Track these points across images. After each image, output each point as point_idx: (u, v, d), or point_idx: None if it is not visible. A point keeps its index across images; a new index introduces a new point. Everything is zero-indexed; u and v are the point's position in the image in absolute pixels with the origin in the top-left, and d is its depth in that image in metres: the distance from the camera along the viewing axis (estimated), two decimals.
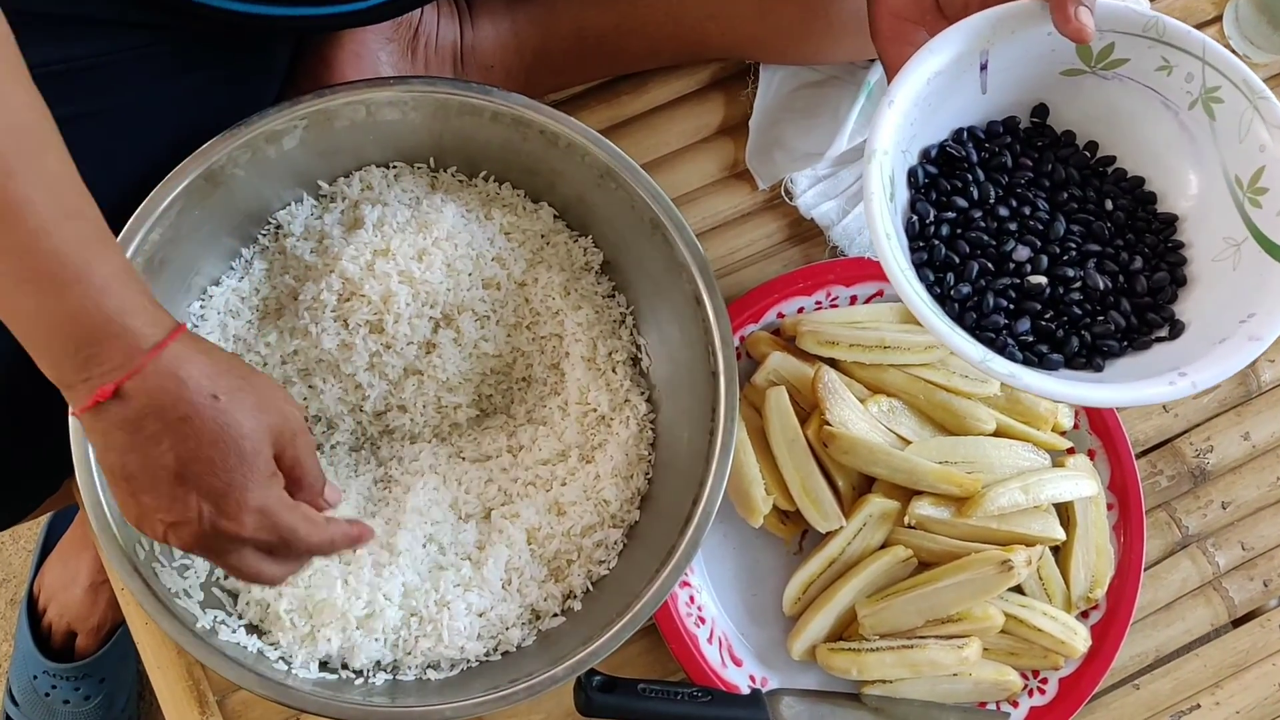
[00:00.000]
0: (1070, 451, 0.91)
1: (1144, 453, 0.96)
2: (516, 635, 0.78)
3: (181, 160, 0.75)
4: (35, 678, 1.23)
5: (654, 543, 0.79)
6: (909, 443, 0.88)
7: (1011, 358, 0.68)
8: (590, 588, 0.80)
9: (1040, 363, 0.70)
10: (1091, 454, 0.92)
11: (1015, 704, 0.87)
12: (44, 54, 0.73)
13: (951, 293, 0.71)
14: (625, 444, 0.82)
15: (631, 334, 0.86)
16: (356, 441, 0.84)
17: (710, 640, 0.86)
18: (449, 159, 0.86)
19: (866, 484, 0.89)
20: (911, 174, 0.73)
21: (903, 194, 0.73)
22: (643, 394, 0.85)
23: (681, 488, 0.79)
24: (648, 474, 0.82)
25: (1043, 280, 0.71)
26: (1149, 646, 0.92)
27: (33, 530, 1.36)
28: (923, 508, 0.86)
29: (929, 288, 0.71)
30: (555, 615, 0.79)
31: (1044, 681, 0.87)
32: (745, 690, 0.85)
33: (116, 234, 0.72)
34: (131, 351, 0.57)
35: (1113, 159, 0.76)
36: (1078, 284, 0.71)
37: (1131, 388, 0.66)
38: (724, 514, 0.75)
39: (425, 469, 0.82)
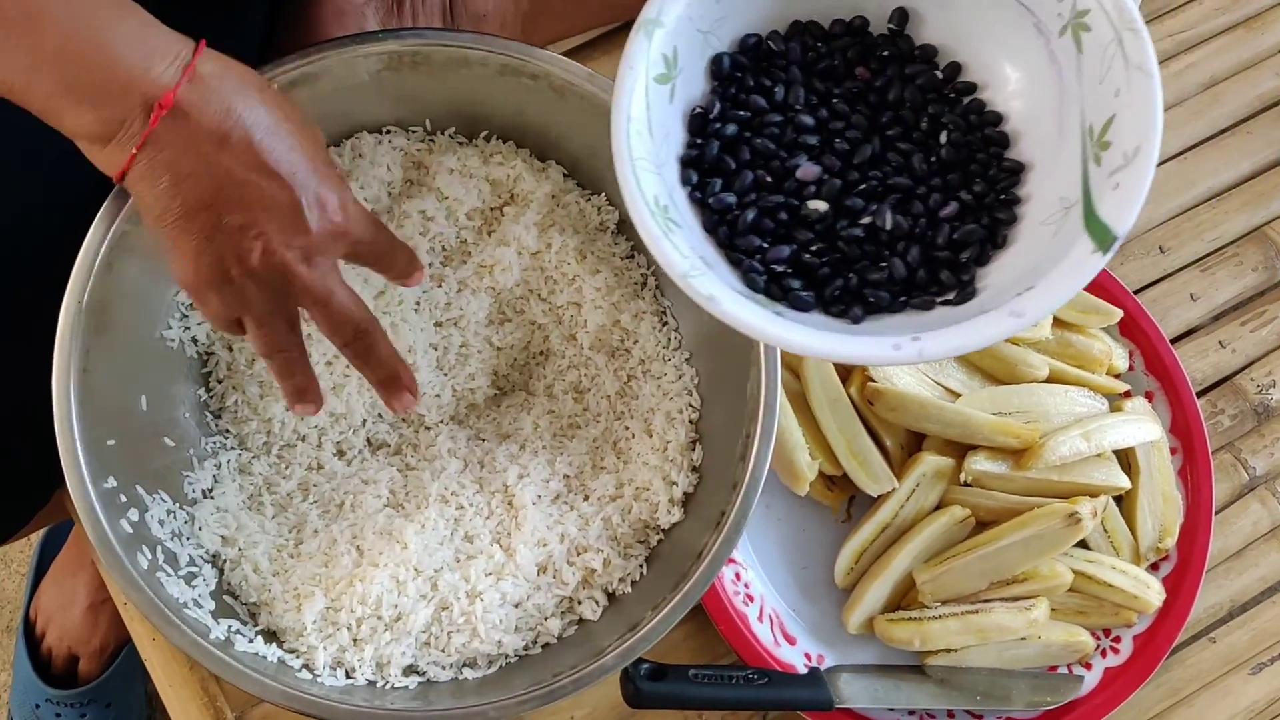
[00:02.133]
0: (1126, 395, 0.86)
1: (1202, 392, 0.90)
2: (556, 626, 0.72)
3: None
4: (38, 706, 1.16)
5: (699, 515, 0.73)
6: (958, 395, 0.82)
7: (753, 285, 0.58)
8: (632, 570, 0.74)
9: (787, 298, 0.59)
10: (1149, 396, 0.87)
11: (1088, 666, 0.81)
12: None
13: (711, 200, 0.60)
14: (659, 406, 0.76)
15: (655, 296, 0.80)
16: (374, 435, 0.78)
17: (760, 619, 0.80)
18: (445, 120, 0.80)
19: (915, 442, 0.84)
20: (715, 61, 0.63)
21: (698, 84, 0.63)
22: (667, 360, 0.79)
23: (723, 454, 0.73)
24: (691, 439, 0.76)
25: (822, 206, 0.60)
26: (1222, 597, 0.86)
27: (24, 553, 1.29)
28: (979, 463, 0.80)
29: (691, 192, 0.61)
30: (595, 602, 0.73)
31: (1117, 640, 0.82)
32: (802, 669, 0.79)
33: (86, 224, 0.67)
34: (174, 59, 0.54)
35: (974, 87, 0.63)
36: (865, 219, 0.60)
37: (841, 340, 0.56)
38: (765, 485, 0.69)
39: (444, 453, 0.76)
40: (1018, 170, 0.61)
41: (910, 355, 0.54)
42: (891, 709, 0.79)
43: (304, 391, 0.64)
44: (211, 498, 0.74)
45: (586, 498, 0.75)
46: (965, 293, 0.58)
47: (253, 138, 0.55)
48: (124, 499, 0.68)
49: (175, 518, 0.71)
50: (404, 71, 0.75)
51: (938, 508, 0.81)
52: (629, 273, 0.80)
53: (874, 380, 0.80)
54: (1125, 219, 0.54)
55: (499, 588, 0.71)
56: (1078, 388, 0.84)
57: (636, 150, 0.58)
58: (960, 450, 0.81)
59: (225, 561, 0.72)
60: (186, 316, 0.76)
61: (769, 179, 0.61)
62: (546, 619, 0.72)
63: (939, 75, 0.64)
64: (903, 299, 0.60)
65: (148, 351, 0.74)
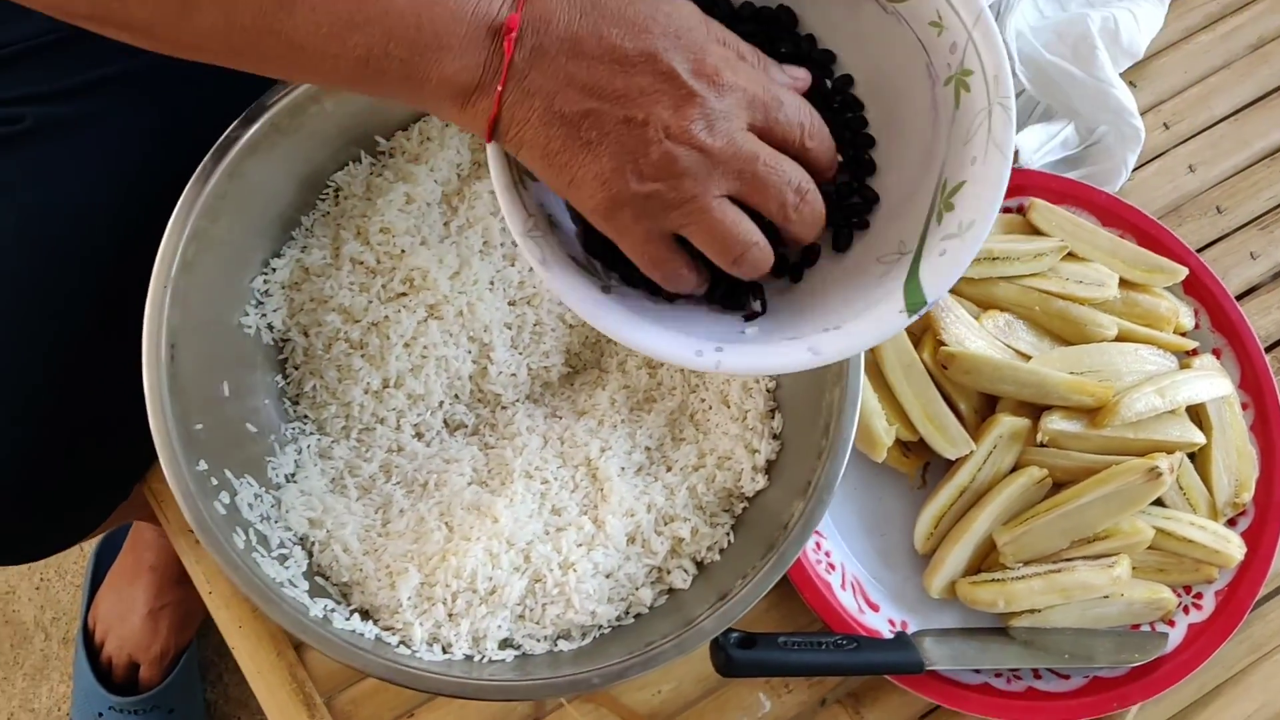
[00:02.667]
0: (1194, 353, 0.86)
1: (1268, 349, 0.90)
2: (647, 595, 0.72)
3: (221, 116, 0.70)
4: (100, 715, 1.16)
5: (784, 481, 0.73)
6: (1028, 358, 0.82)
7: (591, 249, 0.59)
8: (719, 538, 0.74)
9: (617, 270, 0.59)
10: (1217, 353, 0.86)
11: (1171, 623, 0.81)
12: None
13: None
14: (736, 377, 0.77)
15: None
16: (451, 416, 0.78)
17: (844, 586, 0.80)
18: None
19: (989, 406, 0.84)
20: None
21: None
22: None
23: (805, 420, 0.73)
24: (770, 407, 0.76)
25: None
26: None
27: (79, 564, 1.29)
28: (1055, 422, 0.80)
29: None
30: (684, 571, 0.73)
31: (1198, 597, 0.82)
32: (887, 635, 0.79)
33: (165, 216, 0.68)
34: None
35: (860, 105, 0.62)
36: None
37: (651, 333, 0.55)
38: None
39: (523, 430, 0.76)
40: (871, 200, 0.61)
41: (709, 364, 0.54)
42: (978, 670, 0.79)
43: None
44: (295, 482, 0.74)
45: (669, 468, 0.75)
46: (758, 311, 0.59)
47: (602, 32, 0.50)
48: (215, 482, 0.68)
49: (262, 501, 0.71)
50: None
51: (1014, 470, 0.81)
52: None
53: (946, 344, 0.80)
54: (939, 287, 0.54)
55: (591, 558, 0.71)
56: (1147, 346, 0.84)
57: None
58: (1034, 412, 0.81)
59: (314, 544, 0.72)
60: (262, 304, 0.76)
61: None
62: (638, 589, 0.72)
63: (828, 84, 0.63)
64: (717, 295, 0.60)
65: (227, 339, 0.74)
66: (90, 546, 1.28)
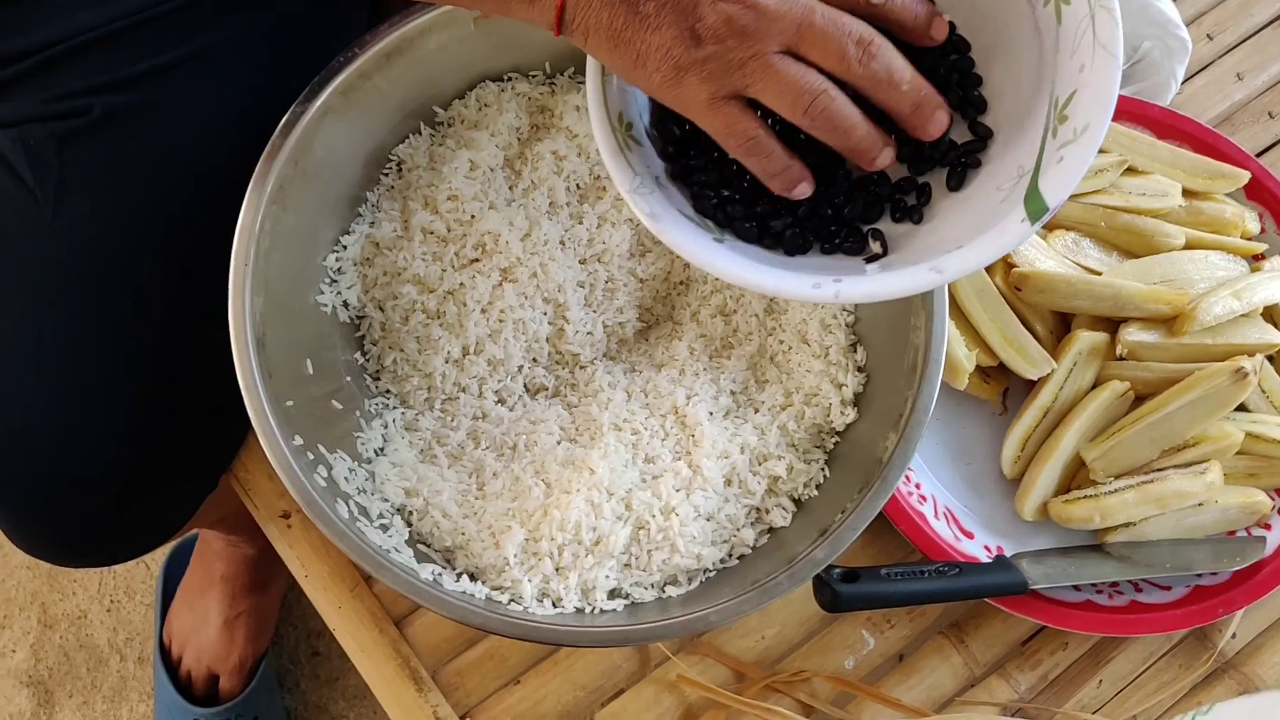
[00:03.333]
0: (1262, 256, 0.86)
1: None
2: (749, 535, 0.72)
3: (280, 96, 0.70)
4: None
5: (874, 414, 0.73)
6: (1099, 274, 0.82)
7: (702, 209, 0.59)
8: (815, 474, 0.74)
9: (731, 227, 0.60)
10: None
11: (1268, 526, 0.81)
12: (125, 5, 0.69)
13: (669, 127, 0.60)
14: (812, 315, 0.77)
15: None
16: (531, 380, 0.78)
17: (937, 516, 0.80)
18: (564, 61, 0.80)
19: (1063, 326, 0.83)
20: None
21: None
22: None
23: (890, 350, 0.73)
24: (850, 341, 0.76)
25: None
26: None
27: (147, 585, 1.29)
28: (1133, 333, 0.80)
29: (653, 117, 0.61)
30: (783, 510, 0.73)
31: None
32: (985, 561, 0.79)
33: (235, 199, 0.68)
34: None
35: (967, 45, 0.62)
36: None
37: (768, 272, 0.57)
38: None
39: (605, 386, 0.76)
40: (985, 137, 0.61)
41: (828, 295, 0.55)
42: (1079, 588, 0.78)
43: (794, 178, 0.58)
44: (385, 455, 0.74)
45: (756, 410, 0.75)
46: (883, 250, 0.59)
47: None
48: (311, 457, 0.68)
49: (356, 475, 0.71)
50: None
51: (1095, 386, 0.81)
52: None
53: (1017, 266, 0.80)
54: (1060, 193, 0.54)
55: (691, 501, 0.70)
56: (1216, 252, 0.83)
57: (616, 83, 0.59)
58: (1111, 327, 0.81)
59: (412, 513, 0.71)
60: (336, 281, 0.76)
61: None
62: (739, 530, 0.72)
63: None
64: (837, 242, 0.60)
65: (305, 319, 0.74)
66: (158, 565, 1.28)
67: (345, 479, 0.70)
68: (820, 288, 0.55)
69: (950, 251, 0.55)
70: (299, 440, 0.67)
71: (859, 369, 0.75)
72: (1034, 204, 0.55)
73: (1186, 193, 0.85)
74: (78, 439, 0.69)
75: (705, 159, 0.60)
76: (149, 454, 0.72)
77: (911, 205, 0.61)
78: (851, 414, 0.74)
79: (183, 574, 1.22)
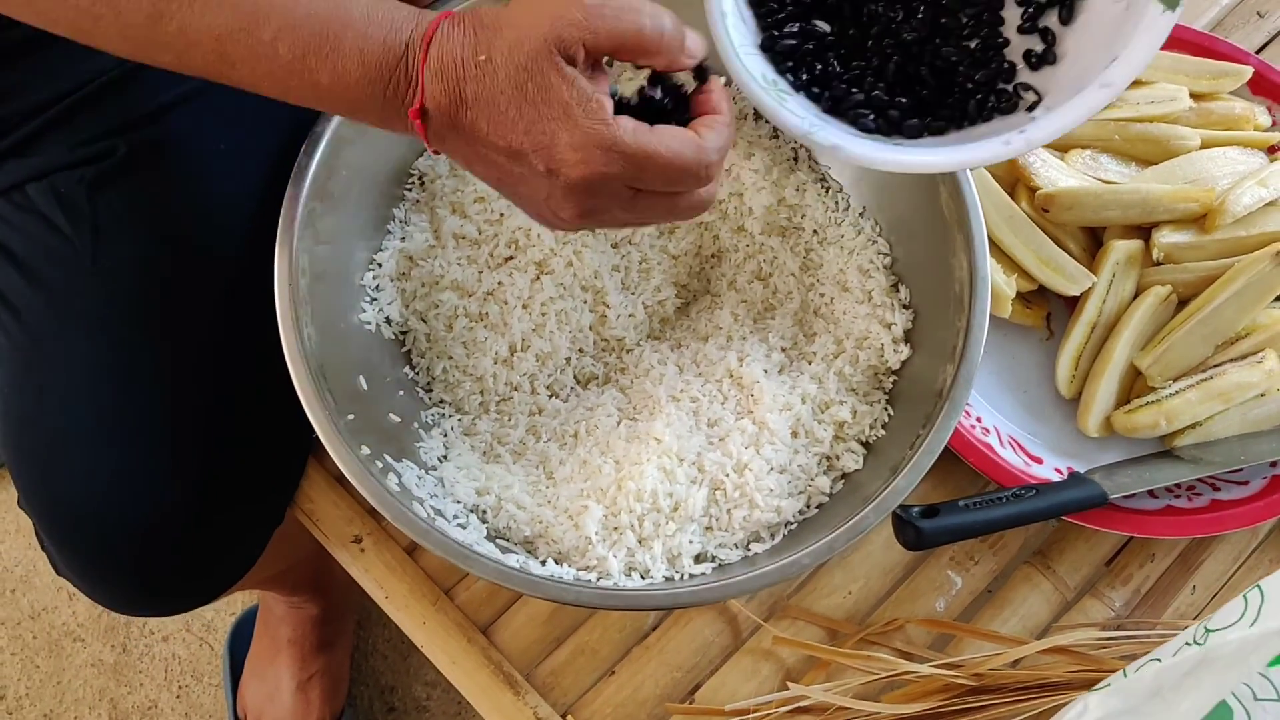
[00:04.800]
0: (1276, 148, 0.86)
1: None
2: (824, 483, 0.71)
3: (298, 119, 0.70)
4: None
5: (928, 348, 0.73)
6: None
7: (865, 128, 0.62)
8: (879, 414, 0.74)
9: (900, 130, 0.63)
10: None
11: None
12: None
13: (806, 70, 0.64)
14: (849, 263, 0.77)
15: (810, 165, 0.81)
16: (581, 370, 0.79)
17: (1003, 445, 0.80)
18: None
19: (1095, 243, 0.84)
20: None
21: None
22: (840, 222, 0.79)
23: (934, 282, 0.73)
24: (891, 281, 0.76)
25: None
26: None
27: (213, 665, 1.28)
28: (1166, 236, 0.80)
29: (783, 68, 0.64)
30: (853, 454, 0.72)
31: None
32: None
33: (269, 224, 0.69)
34: (412, 59, 0.54)
35: None
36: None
37: (959, 150, 0.59)
38: None
39: (654, 364, 0.76)
40: None
41: (1020, 146, 0.57)
42: (1156, 496, 0.78)
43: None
44: (449, 460, 0.74)
45: (810, 361, 0.75)
46: (1045, 59, 0.62)
47: (478, 131, 0.54)
48: (380, 465, 0.68)
49: (425, 481, 0.71)
50: None
51: (1136, 297, 0.81)
52: (779, 150, 0.81)
53: (1041, 188, 0.81)
54: None
55: (761, 455, 0.70)
56: (1232, 147, 0.84)
57: (736, 39, 0.62)
58: (1142, 235, 0.82)
59: (486, 511, 0.71)
60: (375, 299, 0.76)
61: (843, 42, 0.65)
62: (814, 479, 0.72)
63: None
64: (991, 107, 0.63)
65: (352, 338, 0.74)
66: (221, 645, 1.27)
67: (416, 485, 0.69)
68: (1011, 143, 0.57)
69: (1107, 66, 0.57)
70: (366, 450, 0.67)
71: (904, 306, 0.75)
72: None
73: (1193, 96, 0.86)
74: (141, 481, 0.69)
75: (845, 82, 0.64)
76: (213, 490, 0.72)
77: (1042, 51, 0.63)
78: (905, 350, 0.74)
79: (247, 649, 1.21)
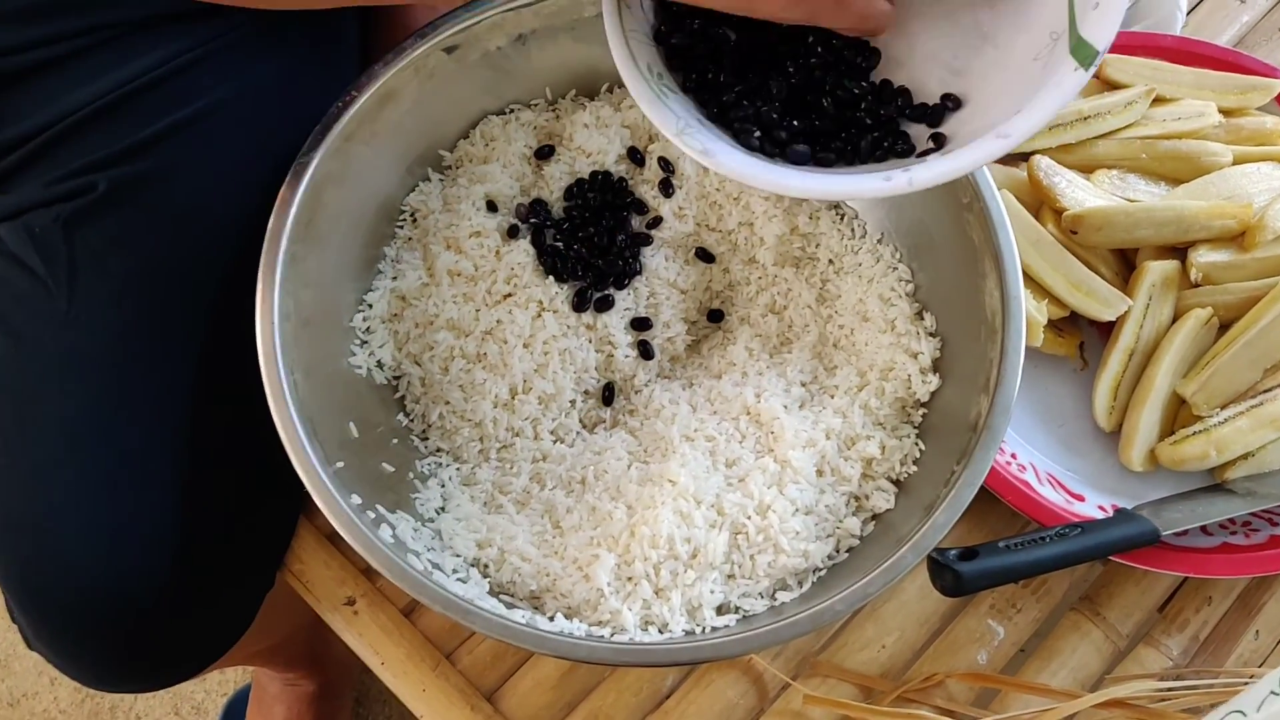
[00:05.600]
0: None
1: None
2: (854, 525, 0.66)
3: (281, 154, 0.67)
4: None
5: (959, 378, 0.68)
6: None
7: (748, 144, 0.56)
8: (909, 449, 0.68)
9: (783, 154, 0.56)
10: None
11: None
12: (135, 67, 0.67)
13: (696, 71, 0.58)
14: (869, 292, 0.72)
15: None
16: (587, 414, 0.74)
17: (1041, 482, 0.74)
18: (563, 86, 0.78)
19: (1126, 266, 0.79)
20: None
21: None
22: (858, 250, 0.75)
23: (963, 309, 0.69)
24: (915, 309, 0.71)
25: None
26: None
27: None
28: (1203, 255, 0.76)
29: (669, 61, 0.58)
30: (884, 492, 0.67)
31: None
32: None
33: (250, 263, 0.64)
34: None
35: None
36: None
37: (835, 179, 0.54)
38: None
39: (666, 404, 0.71)
40: None
41: (901, 184, 0.51)
42: (1210, 533, 0.72)
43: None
44: (447, 512, 0.68)
45: (832, 395, 0.70)
46: (938, 143, 0.56)
47: None
48: (373, 515, 0.62)
49: (422, 534, 0.65)
50: (526, 42, 0.73)
51: (1173, 322, 0.77)
52: None
53: (1067, 209, 0.76)
54: (1106, 33, 0.51)
55: (785, 495, 0.65)
56: (1266, 163, 0.80)
57: (628, 22, 0.56)
58: (1177, 256, 0.77)
59: (488, 565, 0.66)
60: (366, 342, 0.71)
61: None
62: (842, 520, 0.66)
63: None
64: (887, 147, 0.57)
65: (341, 383, 0.70)
66: None
67: (411, 538, 0.64)
68: (891, 180, 0.51)
69: (1009, 119, 0.51)
70: (357, 499, 0.62)
71: (931, 334, 0.70)
72: (1081, 52, 0.51)
73: (1220, 113, 0.82)
74: (120, 542, 0.63)
75: (738, 93, 0.57)
76: (197, 552, 0.66)
77: (947, 100, 0.57)
78: (934, 380, 0.69)
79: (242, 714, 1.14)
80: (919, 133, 0.57)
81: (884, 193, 0.51)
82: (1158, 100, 0.82)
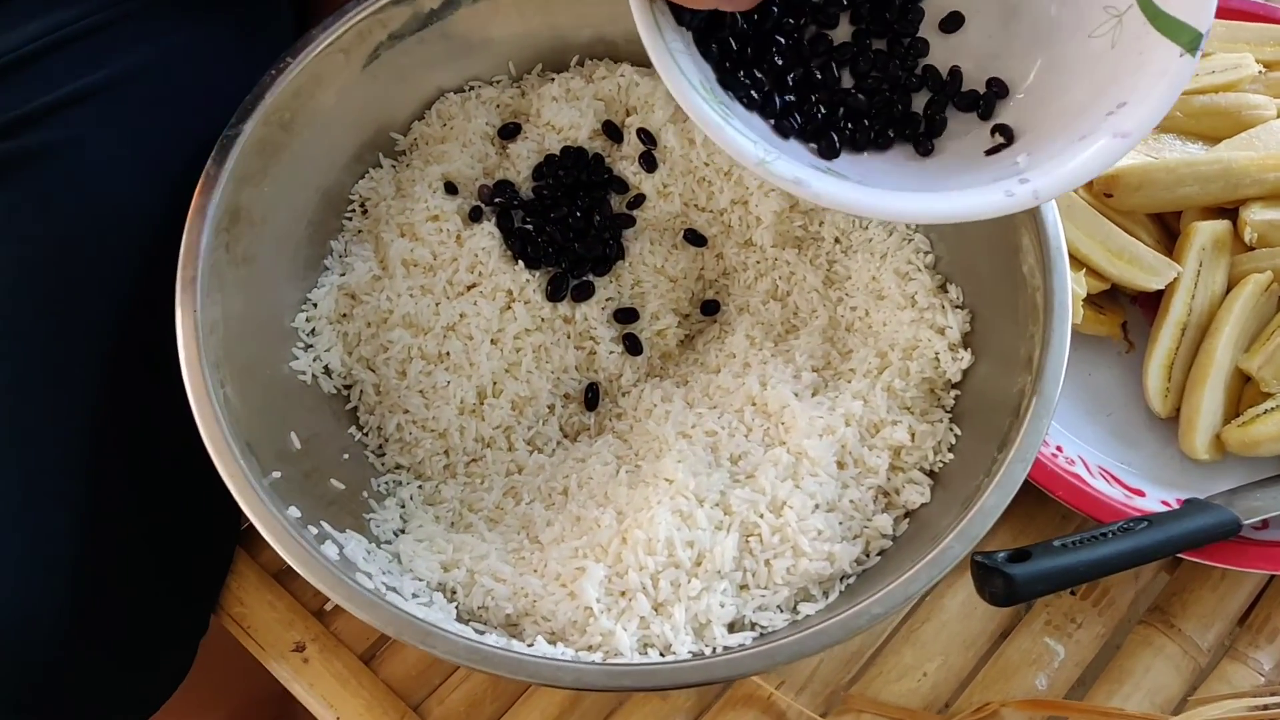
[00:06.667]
0: None
1: None
2: (885, 523, 0.56)
3: (209, 131, 0.58)
4: None
5: (995, 355, 0.59)
6: None
7: (828, 154, 0.51)
8: (942, 435, 0.59)
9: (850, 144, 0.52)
10: None
11: None
12: (35, 27, 0.59)
13: (756, 78, 0.53)
14: (882, 268, 0.63)
15: None
16: (568, 422, 0.64)
17: (1094, 477, 0.65)
18: (527, 62, 0.70)
19: (1165, 235, 0.71)
20: None
21: None
22: (867, 224, 0.66)
23: (995, 278, 0.60)
24: (938, 281, 0.62)
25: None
26: None
27: None
28: (1256, 213, 0.67)
29: (724, 77, 0.53)
30: (916, 485, 0.57)
31: None
32: None
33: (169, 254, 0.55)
34: None
35: None
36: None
37: (945, 199, 0.49)
38: None
39: (658, 401, 0.62)
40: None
41: (1026, 198, 0.46)
42: None
43: None
44: (407, 533, 0.58)
45: (849, 380, 0.61)
46: (1006, 136, 0.51)
47: None
48: (315, 531, 0.52)
49: (376, 556, 0.55)
50: (481, 11, 0.66)
51: (1227, 291, 0.68)
52: None
53: None
54: (1204, 15, 0.46)
55: (803, 489, 0.55)
56: None
57: (673, 42, 0.49)
58: (1224, 218, 0.69)
59: (455, 589, 0.55)
60: (311, 346, 0.62)
61: (790, 54, 0.53)
62: (870, 518, 0.56)
63: None
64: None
65: (281, 390, 0.60)
66: None
67: (363, 559, 0.54)
68: (1015, 195, 0.46)
69: (1114, 112, 0.46)
70: (296, 512, 0.52)
71: (958, 307, 0.61)
72: (1178, 33, 0.46)
73: (1264, 63, 0.74)
74: (12, 577, 0.53)
75: (797, 97, 0.52)
76: (111, 583, 0.56)
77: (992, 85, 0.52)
78: (965, 357, 0.60)
79: None
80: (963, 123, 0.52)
81: (1008, 209, 0.46)
82: None
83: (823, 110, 0.51)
